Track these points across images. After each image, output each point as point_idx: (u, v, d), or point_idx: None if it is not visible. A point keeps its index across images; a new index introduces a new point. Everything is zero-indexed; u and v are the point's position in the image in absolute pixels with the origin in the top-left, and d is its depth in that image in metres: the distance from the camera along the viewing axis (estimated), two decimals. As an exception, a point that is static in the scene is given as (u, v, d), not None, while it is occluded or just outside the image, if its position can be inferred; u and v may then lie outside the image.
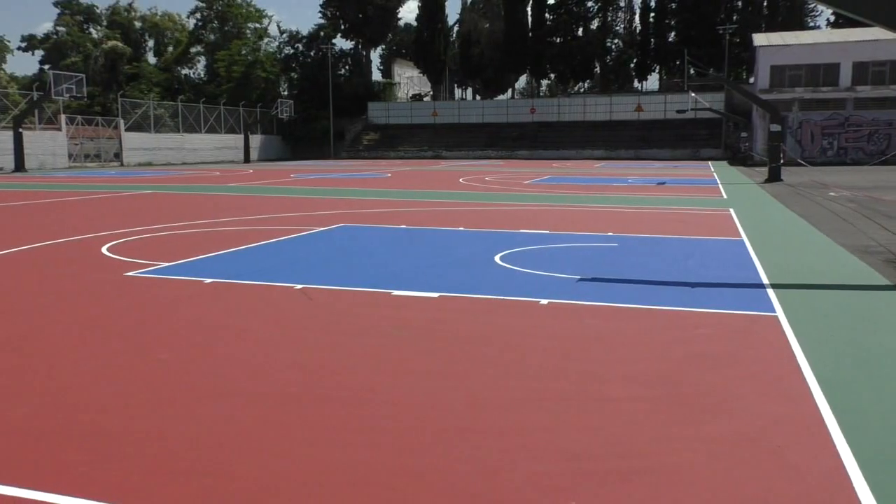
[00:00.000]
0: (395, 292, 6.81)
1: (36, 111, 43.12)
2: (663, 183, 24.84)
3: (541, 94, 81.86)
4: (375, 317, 5.94)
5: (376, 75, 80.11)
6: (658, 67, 70.72)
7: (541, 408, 3.88)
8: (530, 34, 70.69)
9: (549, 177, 29.80)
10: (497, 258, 8.78)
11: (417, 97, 78.43)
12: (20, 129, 38.40)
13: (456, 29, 78.24)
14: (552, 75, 75.37)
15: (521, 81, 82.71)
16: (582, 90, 77.50)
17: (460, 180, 27.63)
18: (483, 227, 12.13)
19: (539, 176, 30.49)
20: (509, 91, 78.36)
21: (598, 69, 73.06)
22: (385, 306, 6.32)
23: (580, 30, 71.95)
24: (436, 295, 6.70)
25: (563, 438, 3.47)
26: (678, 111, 51.63)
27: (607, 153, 57.16)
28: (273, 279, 7.50)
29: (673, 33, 67.63)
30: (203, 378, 4.41)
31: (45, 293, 6.96)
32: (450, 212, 14.99)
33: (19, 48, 73.69)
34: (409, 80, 79.77)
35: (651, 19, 69.20)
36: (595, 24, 72.29)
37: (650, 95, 64.27)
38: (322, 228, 11.92)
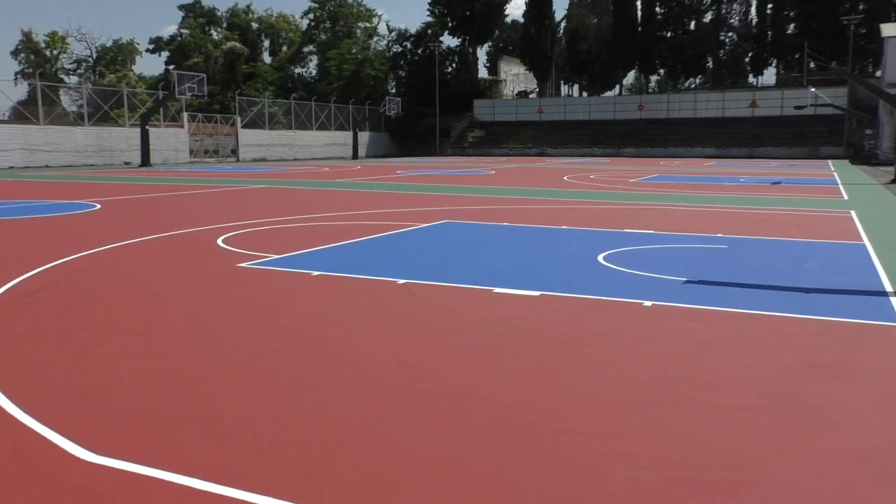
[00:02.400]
0: (497, 290, 6.83)
1: (161, 109, 45.66)
2: (778, 182, 23.75)
3: (649, 90, 79.82)
4: (476, 314, 5.98)
5: (482, 72, 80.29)
6: (775, 61, 67.56)
7: (641, 413, 3.81)
8: (639, 29, 69.03)
9: (657, 175, 29.05)
10: (600, 258, 8.65)
11: (523, 94, 78.09)
12: (147, 127, 40.77)
13: (563, 25, 77.34)
14: (661, 71, 73.36)
15: (629, 77, 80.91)
16: (693, 86, 75.08)
17: (565, 178, 27.34)
18: (586, 225, 11.97)
19: (646, 174, 29.77)
20: (616, 87, 76.81)
21: (710, 64, 70.59)
22: (486, 304, 6.35)
23: (692, 23, 69.67)
24: (537, 293, 6.67)
25: (664, 445, 3.40)
26: (796, 107, 49.25)
27: (718, 151, 55.16)
28: (377, 274, 7.66)
29: (792, 25, 64.43)
30: (308, 368, 4.57)
31: (166, 281, 7.37)
32: (553, 210, 14.87)
33: (147, 50, 78.14)
34: (515, 77, 79.50)
35: (768, 11, 66.15)
36: (708, 17, 69.82)
37: (766, 91, 61.54)
38: (426, 224, 12.08)
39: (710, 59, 70.09)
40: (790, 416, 3.75)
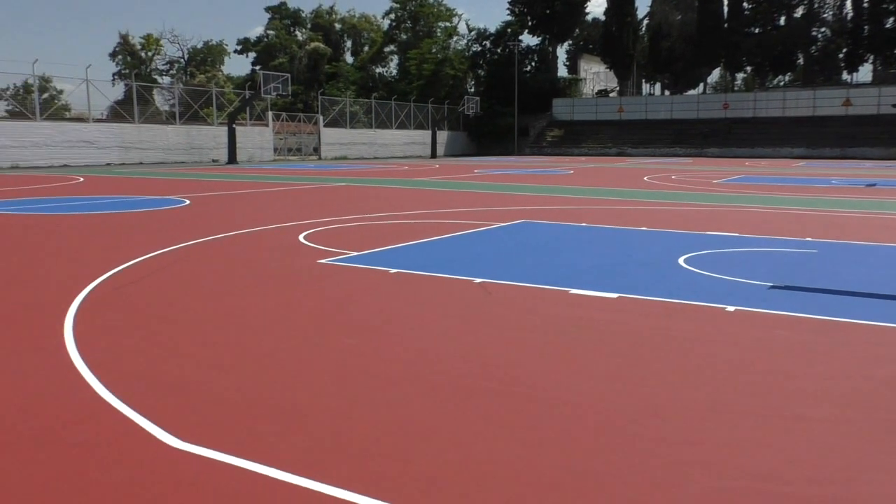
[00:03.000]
0: (573, 291, 6.76)
1: (247, 108, 47.07)
2: (874, 185, 22.66)
3: (735, 88, 77.41)
4: (552, 314, 5.93)
5: (562, 71, 79.56)
6: (871, 57, 64.45)
7: (722, 421, 3.70)
8: (725, 25, 67.01)
9: (742, 176, 28.17)
10: (681, 260, 8.45)
11: (603, 93, 77.01)
12: (234, 125, 42.10)
13: (645, 22, 75.86)
14: (748, 68, 71.03)
15: (714, 75, 78.66)
16: (781, 83, 72.40)
17: (645, 178, 26.82)
18: (667, 227, 11.71)
19: (730, 175, 28.91)
20: (700, 86, 74.83)
21: (800, 60, 67.90)
22: (562, 304, 6.29)
23: (782, 18, 67.18)
24: (615, 295, 6.57)
25: (745, 456, 3.29)
26: (895, 105, 46.82)
27: (808, 151, 53.06)
28: (453, 272, 7.69)
29: (892, 18, 61.30)
30: (383, 364, 4.63)
31: (249, 276, 7.60)
32: (632, 210, 14.61)
33: (235, 51, 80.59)
34: (595, 75, 78.44)
35: (865, 4, 63.14)
36: (799, 12, 67.19)
37: (861, 88, 58.81)
38: (503, 224, 12.05)
39: (800, 56, 67.44)
40: (883, 432, 3.58)
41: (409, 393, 4.09)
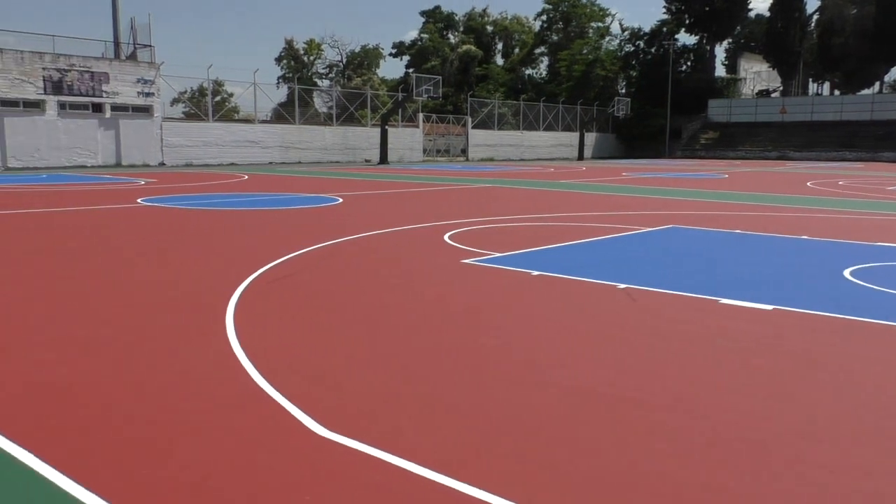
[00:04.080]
0: (724, 300, 6.46)
1: (399, 110, 48.46)
2: None
3: (918, 87, 70.96)
4: (699, 324, 5.70)
5: (720, 70, 76.16)
6: None
7: (890, 450, 3.41)
8: (908, 18, 61.55)
9: (922, 183, 25.79)
10: (847, 273, 7.86)
11: (764, 93, 72.98)
12: (386, 127, 43.50)
13: (815, 17, 71.10)
14: (934, 65, 64.92)
15: (892, 73, 72.49)
16: (975, 81, 65.67)
17: (808, 184, 25.17)
18: (831, 236, 10.93)
19: (908, 182, 26.55)
20: (876, 84, 69.23)
21: None
22: (711, 314, 6.03)
23: (977, 10, 60.90)
24: (769, 307, 6.21)
25: (913, 487, 3.02)
26: None
27: None
28: (597, 277, 7.56)
29: None
30: (522, 366, 4.62)
31: (395, 273, 7.83)
32: (792, 218, 13.75)
33: (390, 54, 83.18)
34: (756, 75, 74.48)
35: None
36: None
37: None
38: (651, 228, 11.71)
39: None
40: None
41: (548, 397, 4.06)
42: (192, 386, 4.18)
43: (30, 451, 3.24)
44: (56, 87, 33.38)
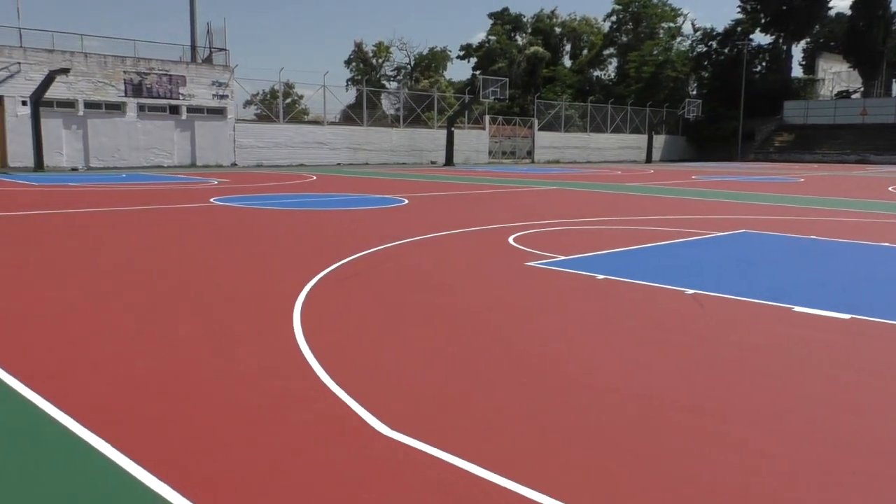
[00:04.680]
0: (797, 308, 6.26)
1: (466, 112, 48.57)
2: None
3: None
4: (770, 332, 5.53)
5: (796, 71, 73.74)
6: None
7: (972, 467, 3.25)
8: None
9: None
10: (930, 282, 7.52)
11: (844, 94, 70.34)
12: (452, 128, 43.65)
13: (901, 15, 68.07)
14: None
15: None
16: None
17: (889, 188, 24.17)
18: (915, 244, 10.46)
19: None
20: (967, 85, 65.90)
21: None
22: (783, 322, 5.85)
23: None
24: (846, 316, 5.99)
25: None
26: None
27: None
28: (664, 281, 7.42)
29: None
30: (582, 370, 4.58)
31: (460, 274, 7.85)
32: (872, 224, 13.22)
33: (458, 57, 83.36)
34: (836, 75, 71.86)
35: None
36: None
37: None
38: (721, 233, 11.44)
39: None
40: None
41: (611, 403, 4.01)
42: (259, 381, 4.28)
43: (106, 441, 3.37)
44: (136, 89, 34.65)
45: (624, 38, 75.43)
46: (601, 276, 7.68)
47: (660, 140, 62.23)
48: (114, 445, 3.31)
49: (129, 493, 2.91)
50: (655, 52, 69.04)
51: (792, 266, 8.69)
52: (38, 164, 28.97)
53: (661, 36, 72.71)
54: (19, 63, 31.42)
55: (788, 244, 10.54)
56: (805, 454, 3.36)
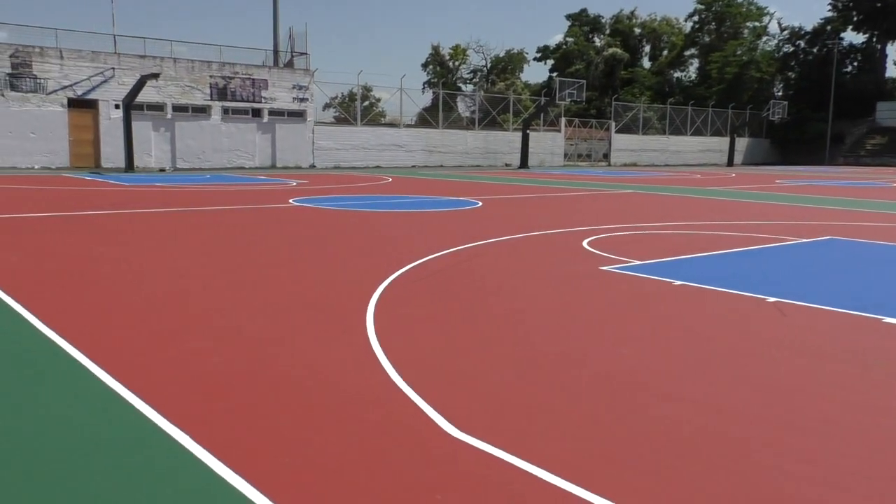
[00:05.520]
0: (887, 319, 5.97)
1: (541, 114, 48.28)
2: None
3: None
4: (857, 343, 5.30)
5: (890, 71, 70.44)
6: None
7: None
8: None
9: None
10: None
11: (944, 95, 66.73)
12: (527, 131, 43.48)
13: None
14: None
15: None
16: None
17: None
18: None
19: None
20: None
21: None
22: (871, 333, 5.59)
23: None
24: (940, 330, 5.69)
25: None
26: None
27: None
28: (744, 289, 7.20)
29: None
30: (656, 378, 4.49)
31: (533, 278, 7.81)
32: (973, 233, 12.50)
33: (535, 59, 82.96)
34: (934, 75, 68.23)
35: None
36: None
37: None
38: (805, 240, 11.02)
39: None
40: None
41: (687, 413, 3.92)
42: (331, 380, 4.36)
43: (185, 432, 3.50)
44: (221, 93, 35.81)
45: (706, 39, 73.58)
46: (678, 282, 7.52)
47: (742, 143, 60.42)
48: (194, 438, 3.43)
49: (207, 485, 3.01)
50: (739, 53, 67.08)
51: (882, 275, 8.30)
52: (129, 165, 30.26)
53: (746, 35, 70.61)
54: (113, 69, 32.92)
55: (878, 252, 10.07)
56: (887, 472, 3.21)
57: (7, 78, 30.57)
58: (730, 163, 55.99)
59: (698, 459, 3.32)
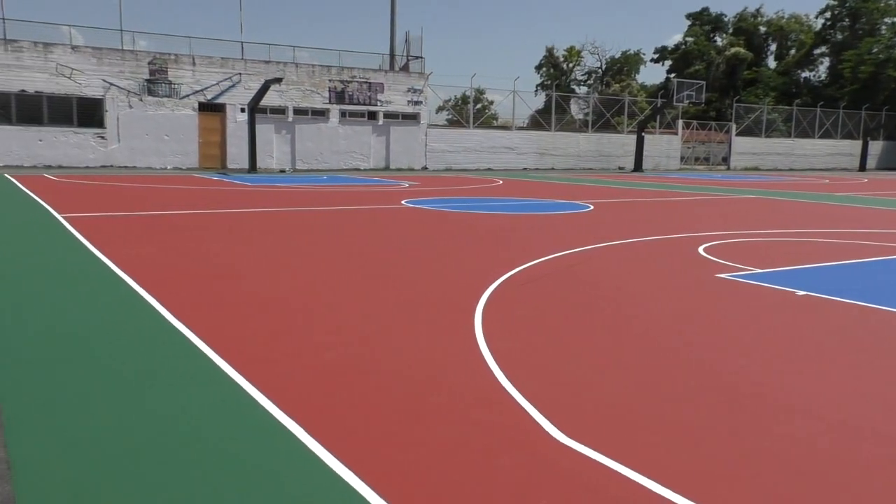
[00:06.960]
0: None
1: (657, 117, 47.04)
2: None
3: None
4: None
5: None
6: None
7: None
8: None
9: None
10: None
11: None
12: (642, 133, 42.47)
13: None
14: None
15: None
16: None
17: None
18: None
19: None
20: None
21: None
22: None
23: None
24: None
25: None
26: None
27: None
28: (874, 301, 6.78)
29: None
30: (774, 392, 4.29)
31: (646, 284, 7.63)
32: None
33: (651, 59, 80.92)
34: None
35: None
36: None
37: None
38: (946, 252, 10.24)
39: None
40: None
41: (807, 430, 3.73)
42: (439, 379, 4.42)
43: (299, 425, 3.64)
44: (339, 96, 36.94)
45: (839, 36, 69.53)
46: (801, 293, 7.16)
47: (877, 146, 56.72)
48: (306, 429, 3.57)
49: (317, 477, 3.12)
50: (875, 51, 62.98)
51: None
52: (252, 166, 31.67)
53: (884, 32, 66.20)
54: (240, 74, 34.57)
55: None
56: None
57: (145, 83, 32.66)
58: (862, 167, 52.67)
59: (826, 481, 3.16)
